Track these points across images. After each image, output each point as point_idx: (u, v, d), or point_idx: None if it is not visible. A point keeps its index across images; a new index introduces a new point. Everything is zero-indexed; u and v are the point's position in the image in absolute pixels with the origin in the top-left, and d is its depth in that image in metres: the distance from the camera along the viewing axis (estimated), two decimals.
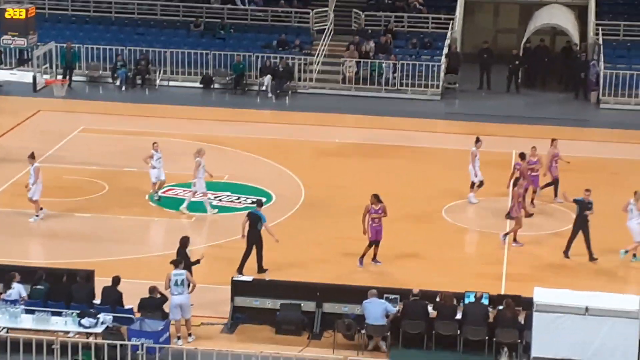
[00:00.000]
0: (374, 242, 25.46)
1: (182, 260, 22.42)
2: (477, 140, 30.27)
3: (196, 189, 28.48)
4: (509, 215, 27.75)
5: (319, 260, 25.96)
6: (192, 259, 23.15)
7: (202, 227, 27.92)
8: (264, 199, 27.01)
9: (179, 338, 21.60)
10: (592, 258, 26.24)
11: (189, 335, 21.81)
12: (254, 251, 24.89)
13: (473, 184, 29.89)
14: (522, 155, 29.45)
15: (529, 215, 27.55)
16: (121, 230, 27.59)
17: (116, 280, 22.02)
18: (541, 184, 29.87)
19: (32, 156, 28.04)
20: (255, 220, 25.03)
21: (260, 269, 24.92)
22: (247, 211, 25.97)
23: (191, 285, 21.90)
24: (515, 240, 27.00)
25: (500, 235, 27.13)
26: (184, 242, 23.41)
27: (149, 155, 29.25)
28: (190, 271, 22.58)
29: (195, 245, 25.10)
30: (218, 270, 24.68)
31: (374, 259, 25.61)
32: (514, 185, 27.96)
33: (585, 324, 20.00)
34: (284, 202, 29.43)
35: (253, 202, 28.79)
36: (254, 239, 24.93)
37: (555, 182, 29.93)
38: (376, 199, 25.49)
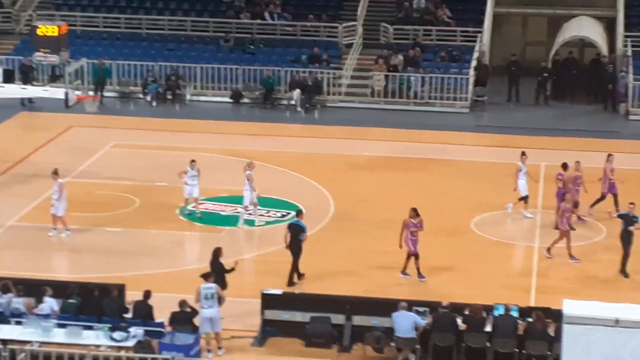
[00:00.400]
0: (415, 255, 25.51)
1: (213, 273, 22.59)
2: (522, 153, 30.02)
3: (250, 202, 28.67)
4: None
5: (349, 273, 26.03)
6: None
7: (232, 241, 28.04)
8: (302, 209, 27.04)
9: (209, 351, 21.73)
10: (623, 272, 26.10)
11: (219, 348, 21.93)
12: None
13: (522, 198, 29.57)
14: (564, 166, 29.30)
15: (572, 229, 27.28)
16: (152, 245, 27.78)
17: (147, 294, 22.18)
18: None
19: (55, 172, 28.22)
20: (297, 231, 25.23)
21: (290, 282, 25.07)
22: (287, 223, 26.20)
23: (221, 298, 22.04)
24: (571, 256, 26.69)
25: (545, 251, 27.03)
26: (217, 253, 23.59)
27: (183, 171, 29.36)
28: (224, 281, 22.76)
29: (224, 258, 25.23)
30: (248, 284, 24.79)
31: (419, 274, 25.65)
32: (562, 199, 27.68)
33: (616, 336, 19.92)
34: (313, 215, 29.47)
35: (283, 216, 29.06)
36: (295, 249, 25.13)
37: (601, 198, 29.60)
38: (415, 212, 25.55)
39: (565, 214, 26.66)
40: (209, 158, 34.03)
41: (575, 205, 28.19)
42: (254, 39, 44.37)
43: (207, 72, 42.26)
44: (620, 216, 26.36)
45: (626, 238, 25.94)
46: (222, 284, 22.77)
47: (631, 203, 26.26)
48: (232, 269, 23.30)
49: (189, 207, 29.53)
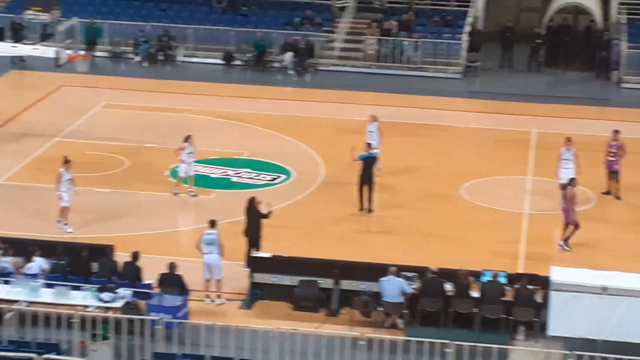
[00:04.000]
0: (576, 225, 25.68)
1: (248, 222, 23.63)
2: (567, 139, 28.40)
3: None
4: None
5: (338, 237, 26.04)
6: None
7: (222, 204, 27.95)
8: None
9: (207, 297, 22.21)
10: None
11: (218, 297, 22.25)
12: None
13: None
14: (616, 132, 29.03)
15: None
16: (141, 206, 27.74)
17: (135, 256, 22.18)
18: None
19: (67, 161, 26.42)
20: (370, 163, 27.02)
21: (371, 210, 26.78)
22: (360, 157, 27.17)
23: (221, 247, 22.36)
24: None
25: None
26: (252, 201, 24.05)
27: (180, 147, 28.22)
28: (261, 227, 23.63)
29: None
30: (237, 247, 24.73)
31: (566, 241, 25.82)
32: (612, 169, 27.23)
33: (603, 303, 20.02)
34: (303, 179, 29.50)
35: (273, 179, 29.04)
36: (368, 180, 26.80)
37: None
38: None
39: None
40: (199, 120, 33.93)
41: None
42: (246, 1, 44.08)
43: (199, 33, 42.02)
44: None
45: None
46: (259, 231, 23.67)
47: None
48: (270, 212, 23.83)
49: (190, 189, 28.22)
